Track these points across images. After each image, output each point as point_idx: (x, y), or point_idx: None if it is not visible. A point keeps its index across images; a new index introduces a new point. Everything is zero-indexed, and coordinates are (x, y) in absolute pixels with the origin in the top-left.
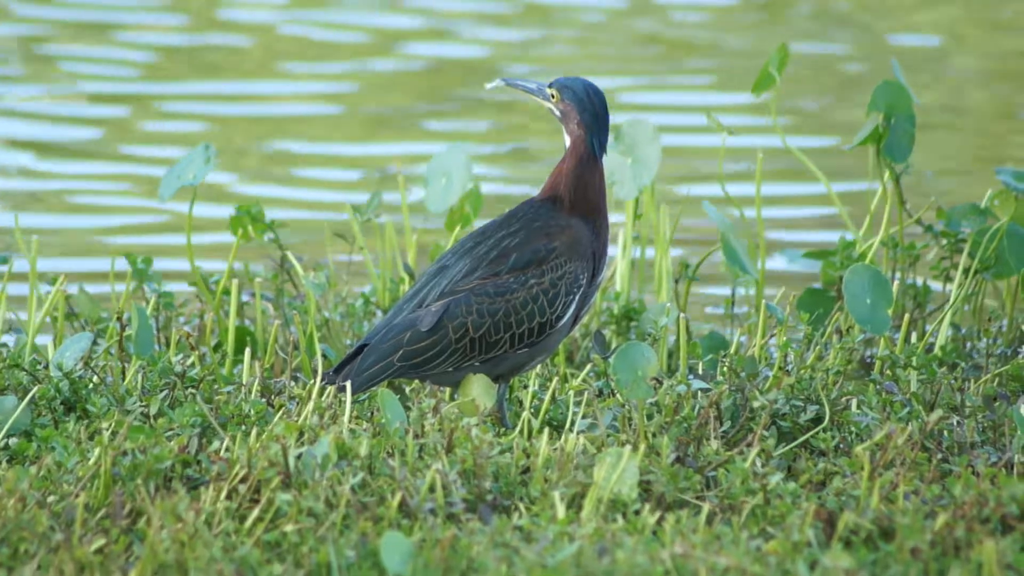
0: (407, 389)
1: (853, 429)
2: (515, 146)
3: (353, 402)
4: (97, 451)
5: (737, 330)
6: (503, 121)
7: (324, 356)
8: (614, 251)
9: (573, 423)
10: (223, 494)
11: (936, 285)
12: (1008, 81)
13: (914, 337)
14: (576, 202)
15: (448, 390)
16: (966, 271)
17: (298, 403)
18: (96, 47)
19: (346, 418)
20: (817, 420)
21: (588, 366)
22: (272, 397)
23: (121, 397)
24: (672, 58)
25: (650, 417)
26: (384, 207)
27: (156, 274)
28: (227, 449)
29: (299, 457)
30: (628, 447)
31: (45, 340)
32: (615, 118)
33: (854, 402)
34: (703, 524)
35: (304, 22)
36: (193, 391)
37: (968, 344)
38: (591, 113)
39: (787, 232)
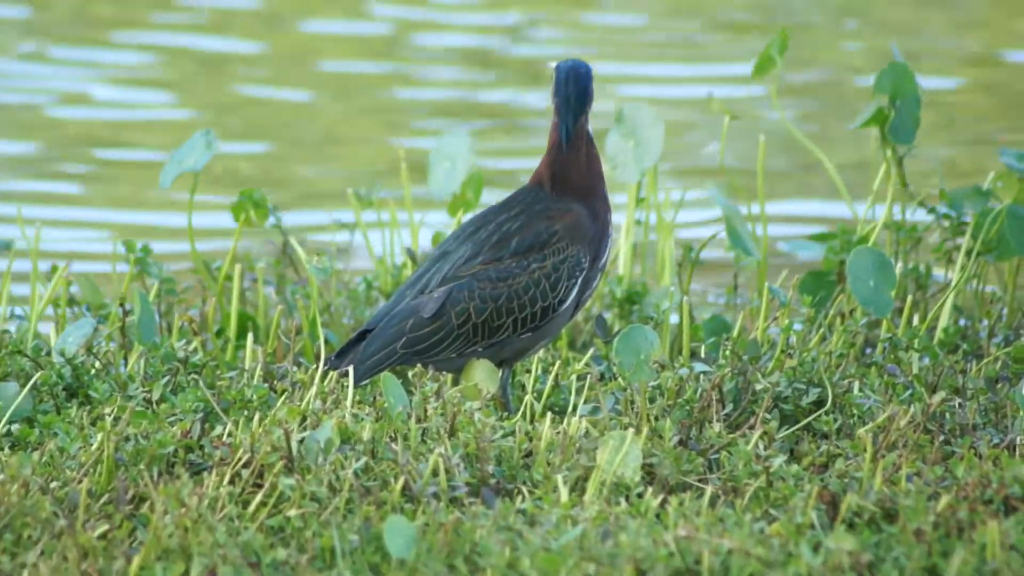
0: (410, 373)
1: (855, 411)
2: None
3: (356, 386)
4: (100, 437)
5: (740, 313)
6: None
7: (326, 341)
8: (617, 234)
9: (576, 407)
10: (226, 479)
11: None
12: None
13: (916, 319)
14: (557, 186)
15: (451, 376)
16: (968, 253)
17: (301, 388)
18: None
19: (348, 402)
20: (819, 403)
21: (590, 350)
22: (274, 382)
23: (123, 383)
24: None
25: (652, 400)
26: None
27: (156, 263)
28: (230, 434)
29: (302, 442)
30: (631, 430)
31: (47, 326)
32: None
33: (856, 384)
34: (706, 507)
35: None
36: (196, 376)
37: (970, 326)
38: (562, 97)
39: (791, 219)
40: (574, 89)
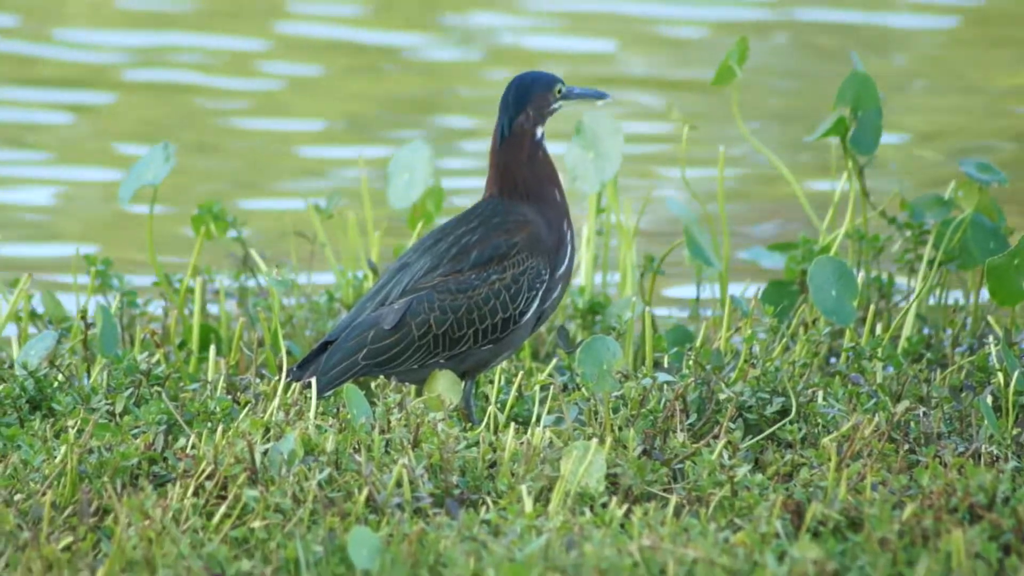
0: (372, 384)
1: (820, 421)
2: None
3: (319, 398)
4: (63, 449)
5: (703, 323)
6: None
7: (289, 353)
8: (578, 244)
9: (539, 417)
10: (190, 491)
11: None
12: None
13: (879, 329)
14: (496, 186)
15: (414, 387)
16: (931, 262)
17: (264, 399)
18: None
19: (312, 414)
20: (783, 412)
21: (554, 360)
22: (237, 394)
23: (86, 395)
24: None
25: (616, 410)
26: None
27: (119, 275)
28: (193, 446)
29: (265, 453)
30: (595, 440)
31: (9, 338)
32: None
33: (820, 394)
34: (671, 516)
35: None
36: (159, 389)
37: (933, 335)
38: (503, 100)
39: (751, 226)
40: (513, 93)
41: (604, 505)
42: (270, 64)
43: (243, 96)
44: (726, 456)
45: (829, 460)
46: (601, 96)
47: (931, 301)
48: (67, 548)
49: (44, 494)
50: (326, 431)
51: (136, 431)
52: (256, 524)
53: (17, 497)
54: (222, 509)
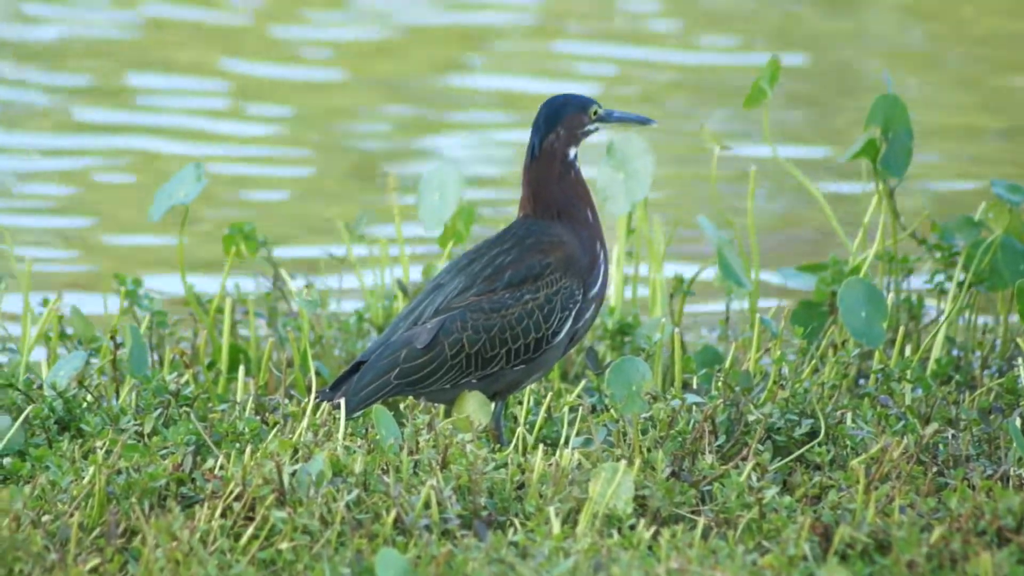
0: (401, 405)
1: (848, 443)
2: None
3: (347, 419)
4: (91, 470)
5: (732, 344)
6: None
7: (318, 373)
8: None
9: (568, 438)
10: (218, 512)
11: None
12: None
13: (909, 350)
14: (529, 202)
15: (443, 408)
16: (960, 284)
17: (292, 420)
18: None
19: (340, 435)
20: (812, 434)
21: (583, 382)
22: (266, 415)
23: (115, 416)
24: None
25: (645, 432)
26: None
27: (149, 296)
28: (221, 467)
29: (293, 474)
30: (623, 462)
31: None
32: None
33: (849, 416)
34: (699, 539)
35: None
36: (187, 409)
37: (963, 357)
38: (535, 121)
39: (781, 248)
40: (544, 113)
41: (632, 527)
42: (262, 107)
43: (244, 139)
44: (754, 478)
45: (857, 482)
46: (645, 121)
47: (960, 323)
48: (94, 570)
49: (72, 515)
50: (354, 452)
51: (164, 452)
52: (284, 546)
53: (45, 518)
54: (250, 530)
